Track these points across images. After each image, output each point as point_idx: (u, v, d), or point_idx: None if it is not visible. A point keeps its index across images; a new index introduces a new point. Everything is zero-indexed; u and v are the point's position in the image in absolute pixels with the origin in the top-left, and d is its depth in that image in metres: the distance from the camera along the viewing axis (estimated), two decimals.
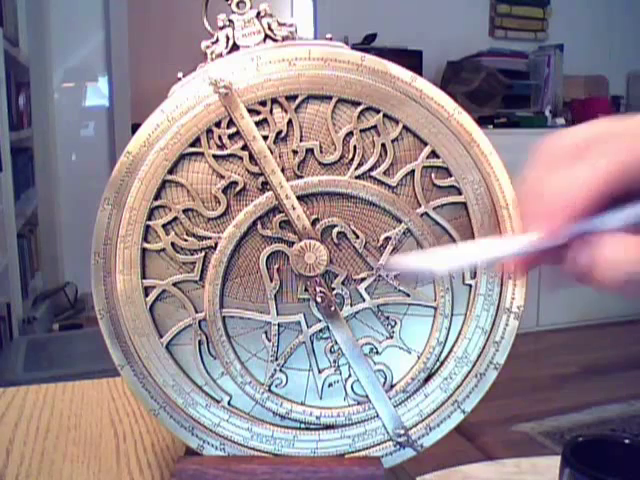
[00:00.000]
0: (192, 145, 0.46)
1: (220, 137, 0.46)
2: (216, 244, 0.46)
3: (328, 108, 0.46)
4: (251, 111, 0.46)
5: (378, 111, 0.46)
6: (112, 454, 0.57)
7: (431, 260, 0.35)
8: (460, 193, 0.46)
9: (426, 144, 0.46)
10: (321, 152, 0.46)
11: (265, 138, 0.46)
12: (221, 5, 0.47)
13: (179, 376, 0.47)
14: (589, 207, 0.32)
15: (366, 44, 2.99)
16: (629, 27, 3.66)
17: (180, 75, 0.46)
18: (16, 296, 2.09)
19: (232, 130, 0.46)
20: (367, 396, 0.47)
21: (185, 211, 0.46)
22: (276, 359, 0.47)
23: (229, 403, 0.47)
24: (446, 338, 0.47)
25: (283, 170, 0.46)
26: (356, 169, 0.46)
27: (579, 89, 3.42)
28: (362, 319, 0.47)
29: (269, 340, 0.47)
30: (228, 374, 0.47)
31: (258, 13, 0.47)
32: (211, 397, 0.47)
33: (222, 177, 0.46)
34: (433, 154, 0.46)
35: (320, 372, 0.47)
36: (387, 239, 0.46)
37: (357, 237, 0.46)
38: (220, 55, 0.47)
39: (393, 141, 0.46)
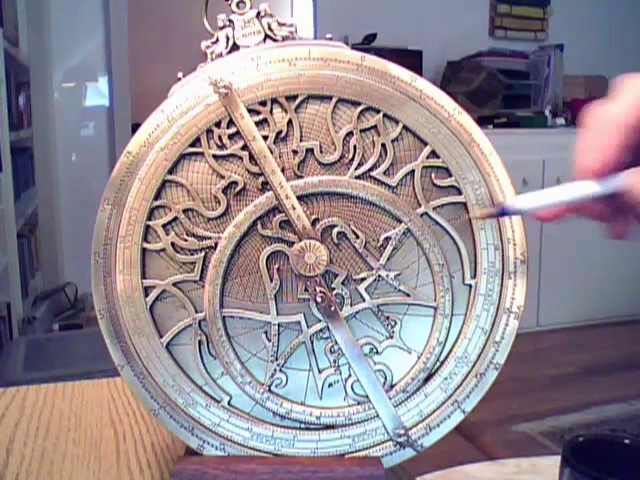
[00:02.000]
0: (192, 145, 0.46)
1: (220, 137, 0.46)
2: (216, 244, 0.46)
3: (328, 108, 0.46)
4: (251, 111, 0.46)
5: (378, 111, 0.46)
6: (112, 454, 0.57)
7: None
8: (460, 193, 0.46)
9: (426, 144, 0.46)
10: (321, 152, 0.46)
11: (265, 138, 0.46)
12: (221, 5, 0.47)
13: (179, 376, 0.47)
14: (624, 143, 0.35)
15: (366, 44, 2.99)
16: (629, 27, 3.65)
17: (180, 75, 0.46)
18: (16, 296, 2.09)
19: (232, 130, 0.46)
20: (367, 396, 0.47)
21: (185, 211, 0.46)
22: (276, 359, 0.47)
23: (229, 403, 0.47)
24: (446, 338, 0.47)
25: (283, 170, 0.46)
26: (356, 169, 0.46)
27: (579, 89, 3.42)
28: (362, 319, 0.47)
29: (269, 340, 0.47)
30: (228, 374, 0.47)
31: (258, 13, 0.47)
32: (211, 397, 0.47)
33: (222, 177, 0.46)
34: (433, 154, 0.46)
35: (320, 372, 0.47)
36: (387, 239, 0.46)
37: (357, 237, 0.46)
38: (220, 55, 0.47)
39: (393, 141, 0.46)
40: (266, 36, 0.47)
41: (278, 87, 0.45)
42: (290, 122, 0.46)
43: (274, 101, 0.46)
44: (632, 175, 0.35)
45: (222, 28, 0.47)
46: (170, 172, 0.46)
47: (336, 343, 0.47)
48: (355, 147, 0.46)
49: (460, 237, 0.47)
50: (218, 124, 0.46)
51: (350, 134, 0.46)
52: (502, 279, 0.47)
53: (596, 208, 0.38)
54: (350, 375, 0.47)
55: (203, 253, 0.46)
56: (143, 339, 0.46)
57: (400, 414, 0.47)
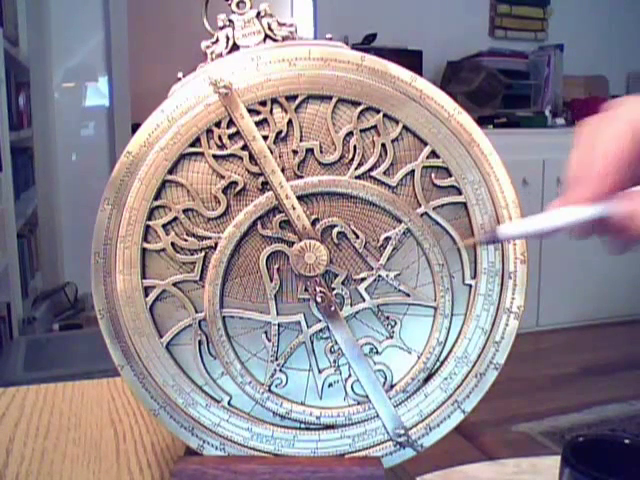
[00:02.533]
0: (192, 145, 0.46)
1: (220, 137, 0.46)
2: (216, 244, 0.46)
3: (328, 108, 0.46)
4: (251, 111, 0.46)
5: (378, 111, 0.46)
6: (112, 454, 0.57)
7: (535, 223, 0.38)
8: (460, 193, 0.46)
9: (426, 144, 0.46)
10: (321, 152, 0.46)
11: (265, 138, 0.46)
12: (221, 5, 0.47)
13: (179, 376, 0.47)
14: (620, 171, 0.35)
15: (366, 44, 2.99)
16: (629, 27, 3.65)
17: (180, 75, 0.46)
18: (16, 296, 2.09)
19: (232, 130, 0.46)
20: (367, 396, 0.47)
21: (185, 211, 0.46)
22: (276, 359, 0.47)
23: (229, 403, 0.47)
24: (446, 338, 0.47)
25: (283, 170, 0.46)
26: (356, 169, 0.46)
27: (579, 89, 3.42)
28: (362, 319, 0.47)
29: (269, 340, 0.47)
30: (228, 374, 0.47)
31: (258, 13, 0.47)
32: (211, 397, 0.47)
33: (222, 177, 0.46)
34: (433, 154, 0.46)
35: (320, 372, 0.47)
36: (387, 239, 0.46)
37: (357, 237, 0.46)
38: (220, 55, 0.47)
39: (393, 141, 0.46)
40: (266, 36, 0.47)
41: (278, 87, 0.45)
42: (290, 122, 0.46)
43: (274, 101, 0.46)
44: (619, 203, 0.35)
45: (222, 28, 0.47)
46: (170, 172, 0.46)
47: (336, 343, 0.47)
48: (355, 147, 0.46)
49: (460, 237, 0.47)
50: (218, 124, 0.46)
51: (350, 134, 0.46)
52: (502, 279, 0.47)
53: (586, 230, 0.38)
54: (350, 375, 0.47)
55: (203, 253, 0.46)
56: (143, 339, 0.46)
57: (400, 414, 0.47)
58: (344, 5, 3.19)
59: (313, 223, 0.46)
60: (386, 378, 0.48)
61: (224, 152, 0.46)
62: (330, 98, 0.46)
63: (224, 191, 0.46)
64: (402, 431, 0.47)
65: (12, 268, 2.03)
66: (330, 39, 0.46)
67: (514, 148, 2.73)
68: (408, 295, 0.47)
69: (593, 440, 0.47)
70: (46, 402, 0.68)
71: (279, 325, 0.47)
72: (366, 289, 0.47)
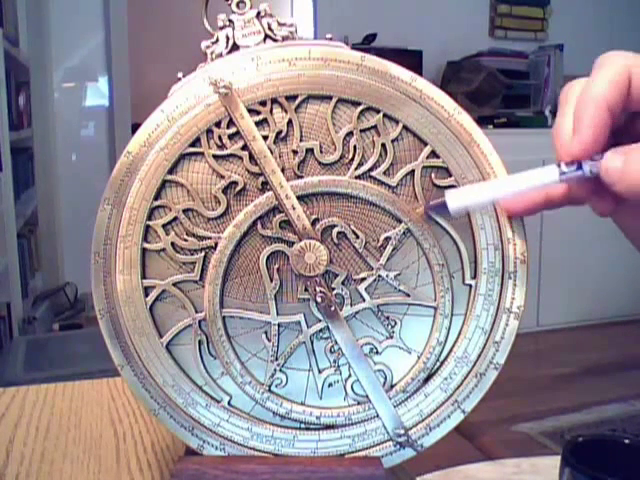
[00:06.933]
0: (192, 145, 0.46)
1: (220, 137, 0.46)
2: (216, 244, 0.46)
3: (328, 108, 0.46)
4: (251, 111, 0.46)
5: (378, 111, 0.46)
6: (112, 454, 0.57)
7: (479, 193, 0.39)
8: None
9: (426, 144, 0.46)
10: (321, 152, 0.46)
11: (265, 138, 0.46)
12: (221, 5, 0.47)
13: (179, 376, 0.47)
14: (603, 124, 0.35)
15: (366, 44, 3.00)
16: (629, 27, 3.66)
17: (180, 75, 0.46)
18: (16, 296, 2.09)
19: (232, 130, 0.46)
20: (367, 396, 0.47)
21: (185, 211, 0.46)
22: (276, 359, 0.47)
23: (229, 403, 0.47)
24: (446, 338, 0.47)
25: (283, 170, 0.46)
26: (356, 169, 0.46)
27: None
28: (362, 319, 0.47)
29: (269, 340, 0.47)
30: (228, 374, 0.47)
31: (258, 13, 0.47)
32: (211, 397, 0.47)
33: (222, 177, 0.46)
34: (433, 154, 0.46)
35: (320, 372, 0.47)
36: (387, 239, 0.46)
37: (357, 237, 0.46)
38: (220, 55, 0.47)
39: (393, 141, 0.46)
40: (266, 36, 0.47)
41: (278, 87, 0.45)
42: (290, 122, 0.46)
43: (274, 101, 0.46)
44: (609, 156, 0.35)
45: (222, 28, 0.47)
46: (170, 172, 0.46)
47: (336, 343, 0.47)
48: (355, 147, 0.46)
49: (460, 237, 0.47)
50: (218, 124, 0.46)
51: (350, 134, 0.46)
52: (502, 279, 0.47)
53: (564, 192, 0.38)
54: (350, 375, 0.47)
55: (203, 253, 0.46)
56: (143, 339, 0.46)
57: (400, 414, 0.47)
58: (344, 5, 3.19)
59: (313, 223, 0.46)
60: (386, 378, 0.48)
61: (224, 152, 0.46)
62: (330, 98, 0.46)
63: (224, 191, 0.46)
64: (402, 431, 0.47)
65: (12, 268, 2.03)
66: (330, 39, 0.46)
67: (514, 148, 2.73)
68: (408, 295, 0.47)
69: (593, 440, 0.47)
70: (46, 402, 0.68)
71: (279, 325, 0.47)
72: (366, 289, 0.47)
